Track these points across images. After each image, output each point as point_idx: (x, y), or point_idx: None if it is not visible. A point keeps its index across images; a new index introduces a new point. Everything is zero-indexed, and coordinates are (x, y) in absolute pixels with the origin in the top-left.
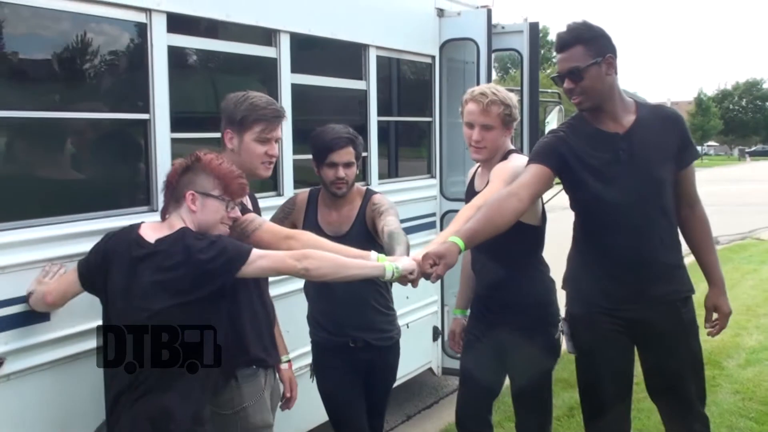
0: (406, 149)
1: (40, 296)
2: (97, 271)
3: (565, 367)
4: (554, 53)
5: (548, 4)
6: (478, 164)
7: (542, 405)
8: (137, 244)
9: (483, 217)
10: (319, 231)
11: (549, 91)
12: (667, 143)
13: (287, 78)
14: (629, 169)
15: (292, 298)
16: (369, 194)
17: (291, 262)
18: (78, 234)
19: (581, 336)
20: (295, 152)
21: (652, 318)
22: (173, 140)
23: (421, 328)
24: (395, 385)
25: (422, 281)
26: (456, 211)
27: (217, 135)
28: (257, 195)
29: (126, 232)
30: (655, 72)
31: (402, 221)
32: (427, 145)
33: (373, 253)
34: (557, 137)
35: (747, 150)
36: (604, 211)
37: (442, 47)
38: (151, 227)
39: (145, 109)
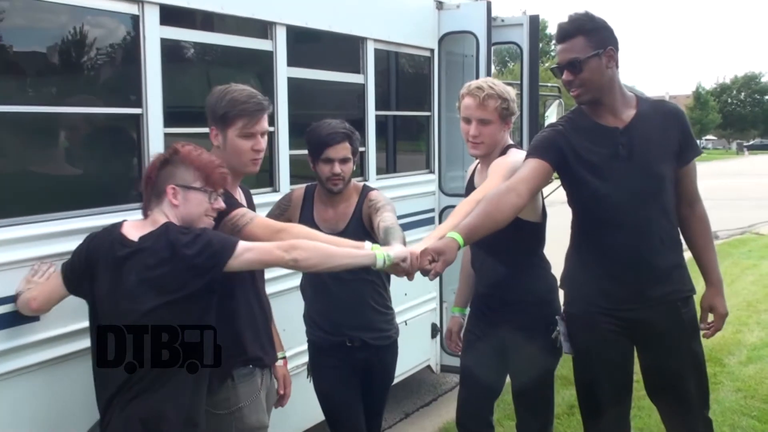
0: (405, 144)
1: (24, 302)
2: (81, 273)
3: (565, 365)
4: (554, 46)
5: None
6: (477, 160)
7: (543, 405)
8: (120, 244)
9: (482, 212)
10: (315, 228)
11: (549, 84)
12: (668, 139)
13: (283, 72)
14: (628, 165)
15: (287, 296)
16: (366, 191)
17: (279, 254)
18: (68, 231)
19: (579, 336)
20: (291, 147)
21: (651, 318)
22: (166, 135)
23: (420, 326)
24: (394, 382)
25: (419, 277)
26: (455, 207)
27: None
28: (252, 190)
29: (108, 231)
30: (654, 66)
31: (400, 217)
32: (426, 139)
33: (368, 243)
34: (555, 131)
35: (745, 144)
36: (602, 208)
37: (441, 40)
38: (134, 225)
39: (138, 103)
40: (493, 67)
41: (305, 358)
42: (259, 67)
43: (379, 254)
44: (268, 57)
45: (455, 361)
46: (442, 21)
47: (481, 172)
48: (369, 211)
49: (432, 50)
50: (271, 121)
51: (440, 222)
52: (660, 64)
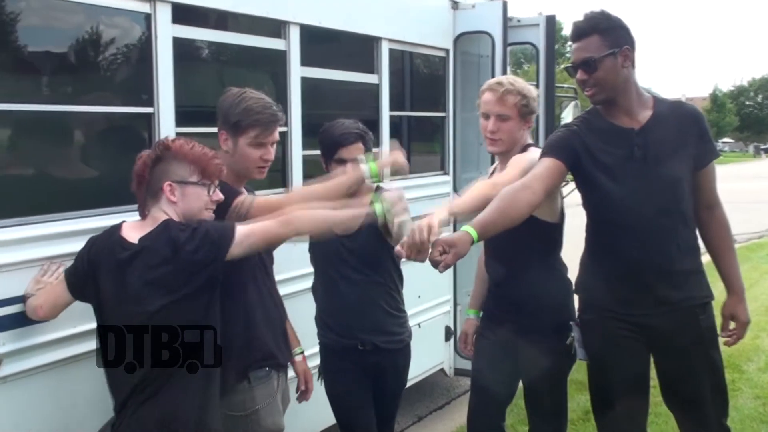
0: (419, 145)
1: (32, 310)
2: (84, 278)
3: (580, 369)
4: (569, 47)
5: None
6: (496, 162)
7: (556, 410)
8: (120, 247)
9: (496, 208)
10: None
11: (565, 86)
12: (685, 141)
13: (297, 71)
14: (644, 166)
15: (299, 298)
16: (379, 191)
17: (279, 231)
18: (79, 231)
19: (593, 342)
20: (304, 147)
21: (668, 325)
22: (178, 134)
23: (433, 328)
24: (407, 385)
25: (433, 280)
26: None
27: None
28: (265, 191)
29: (107, 234)
30: (670, 68)
31: (414, 218)
32: (441, 141)
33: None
34: (570, 131)
35: (762, 146)
36: (615, 210)
37: (456, 40)
38: (133, 226)
39: (150, 102)
40: (508, 68)
41: (317, 361)
42: (272, 66)
43: (377, 206)
44: (281, 56)
45: (469, 365)
46: (457, 21)
47: (500, 172)
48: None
49: (447, 50)
50: (284, 121)
51: (455, 224)
52: (677, 65)
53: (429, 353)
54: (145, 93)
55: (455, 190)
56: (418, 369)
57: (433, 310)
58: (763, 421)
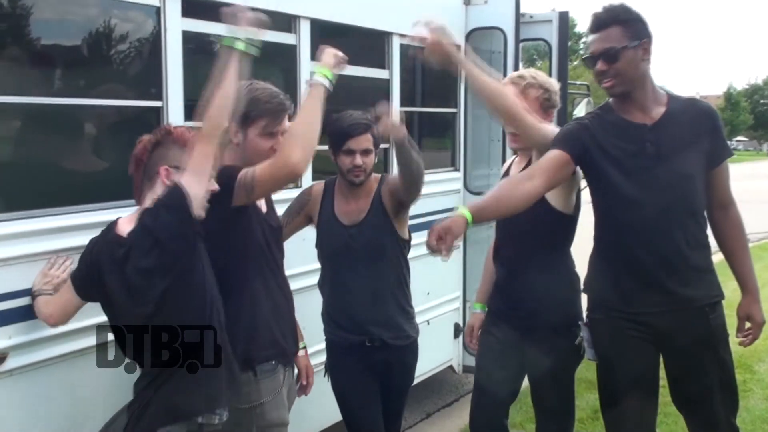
0: (430, 141)
1: (44, 319)
2: (89, 281)
3: (590, 367)
4: (582, 45)
5: None
6: (513, 157)
7: (563, 409)
8: (117, 244)
9: (494, 195)
10: (336, 221)
11: (578, 83)
12: (699, 139)
13: (307, 66)
14: (655, 162)
15: (306, 294)
16: (384, 178)
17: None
18: (85, 225)
19: (602, 342)
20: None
21: (677, 324)
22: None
23: (442, 325)
24: (416, 382)
25: (441, 277)
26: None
27: None
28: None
29: (105, 233)
30: (684, 65)
31: (424, 215)
32: (452, 137)
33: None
34: (580, 124)
35: None
36: (625, 206)
37: (468, 36)
38: (128, 220)
39: (158, 96)
40: (521, 64)
41: (323, 357)
42: (283, 61)
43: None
44: (291, 51)
45: None
46: (469, 16)
47: (518, 165)
48: (387, 190)
49: (459, 46)
50: (293, 111)
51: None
52: (691, 63)
53: (437, 350)
54: (154, 86)
55: (466, 186)
56: (426, 366)
57: (441, 307)
58: None
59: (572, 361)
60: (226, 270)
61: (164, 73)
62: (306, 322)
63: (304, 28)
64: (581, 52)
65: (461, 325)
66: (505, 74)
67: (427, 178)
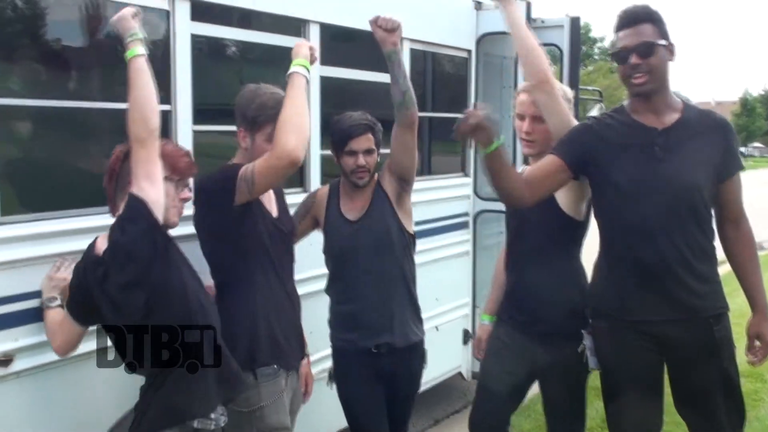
0: (440, 146)
1: (54, 349)
2: (84, 307)
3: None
4: (597, 49)
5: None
6: (521, 169)
7: (574, 418)
8: (96, 264)
9: (508, 167)
10: (343, 218)
11: (590, 88)
12: (710, 149)
13: (316, 70)
14: (661, 166)
15: (312, 298)
16: (382, 166)
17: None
18: (92, 228)
19: (605, 350)
20: (323, 146)
21: (679, 335)
22: (195, 132)
23: (451, 332)
24: (424, 389)
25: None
26: (490, 211)
27: None
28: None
29: (85, 256)
30: (700, 71)
31: (433, 220)
32: (461, 142)
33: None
34: (585, 126)
35: None
36: (629, 210)
37: (479, 41)
38: (104, 237)
39: (167, 99)
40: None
41: (328, 363)
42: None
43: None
44: None
45: None
46: (480, 21)
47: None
48: (386, 172)
49: (469, 51)
50: None
51: (475, 226)
52: (706, 69)
53: (446, 357)
54: (163, 90)
55: (475, 192)
56: (435, 372)
57: (451, 313)
58: None
59: (583, 367)
60: (231, 270)
61: (173, 77)
62: (312, 327)
63: (314, 32)
64: (597, 56)
65: (470, 331)
66: (516, 79)
67: (436, 183)
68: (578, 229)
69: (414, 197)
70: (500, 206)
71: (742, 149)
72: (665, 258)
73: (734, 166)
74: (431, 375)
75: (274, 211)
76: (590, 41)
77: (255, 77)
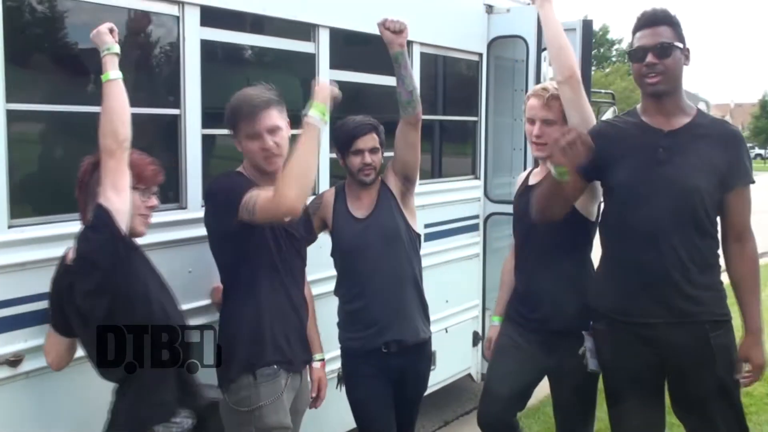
0: (450, 149)
1: (47, 362)
2: (63, 319)
3: None
4: (615, 51)
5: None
6: (528, 170)
7: (583, 417)
8: (66, 273)
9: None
10: (351, 216)
11: (603, 91)
12: (716, 157)
13: (326, 74)
14: (663, 169)
15: (321, 301)
16: (385, 166)
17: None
18: None
19: (605, 351)
20: (332, 150)
21: (675, 338)
22: (204, 137)
23: (461, 333)
24: (434, 390)
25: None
26: (501, 213)
27: None
28: None
29: (57, 269)
30: (719, 73)
31: (444, 222)
32: (472, 145)
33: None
34: (594, 131)
35: None
36: (628, 206)
37: (490, 44)
38: (74, 248)
39: (176, 104)
40: (543, 73)
41: (337, 364)
42: (301, 69)
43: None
44: (310, 60)
45: None
46: (491, 25)
47: (540, 173)
48: (390, 172)
49: (480, 55)
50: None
51: (485, 228)
52: (726, 71)
53: (456, 358)
54: (172, 95)
55: (486, 194)
56: (444, 374)
57: (460, 315)
58: None
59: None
60: (235, 272)
61: (182, 82)
62: (321, 328)
63: (323, 37)
64: (614, 59)
65: (480, 333)
66: (527, 82)
67: (447, 186)
68: (590, 230)
69: (425, 200)
70: (511, 209)
71: (761, 151)
72: (663, 261)
73: (740, 177)
74: (441, 376)
75: None
76: (608, 43)
77: (264, 81)
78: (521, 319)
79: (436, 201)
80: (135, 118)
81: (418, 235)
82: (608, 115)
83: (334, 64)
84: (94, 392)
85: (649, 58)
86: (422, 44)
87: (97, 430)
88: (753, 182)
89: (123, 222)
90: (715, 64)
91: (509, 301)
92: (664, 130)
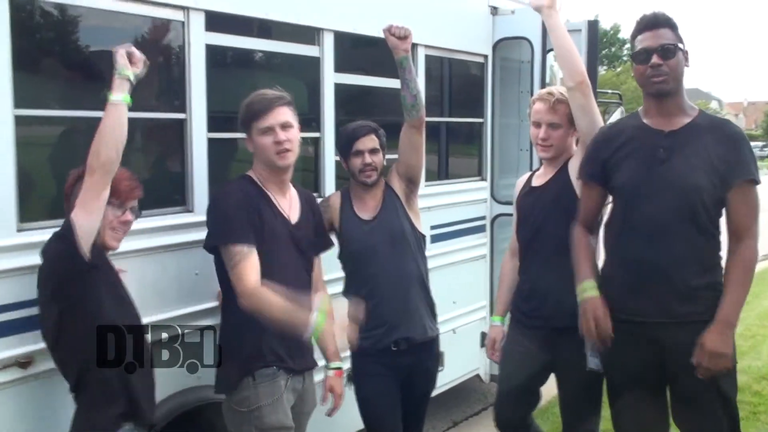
0: (457, 150)
1: None
2: None
3: None
4: (626, 50)
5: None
6: (529, 173)
7: (588, 414)
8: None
9: (579, 256)
10: (358, 218)
11: (610, 92)
12: (717, 156)
13: (330, 78)
14: (663, 169)
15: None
16: (389, 169)
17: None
18: None
19: (606, 349)
20: (337, 153)
21: (671, 336)
22: (210, 140)
23: (469, 334)
24: (442, 391)
25: (467, 284)
26: (507, 215)
27: None
28: None
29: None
30: (732, 71)
31: (450, 224)
32: (478, 146)
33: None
34: (598, 136)
35: None
36: (631, 212)
37: (495, 46)
38: None
39: (182, 108)
40: (553, 72)
41: (347, 364)
42: (306, 73)
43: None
44: (315, 63)
45: None
46: (496, 27)
47: (542, 176)
48: (394, 174)
49: (485, 56)
50: (318, 127)
51: (492, 230)
52: (739, 69)
53: (464, 359)
54: (178, 99)
55: (492, 195)
56: (453, 374)
57: (468, 316)
58: None
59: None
60: (229, 283)
61: (188, 86)
62: None
63: (328, 41)
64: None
65: (488, 334)
66: (532, 84)
67: (454, 187)
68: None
69: (431, 201)
70: None
71: None
72: (663, 261)
73: (740, 175)
74: (449, 377)
75: (293, 217)
76: (619, 42)
77: (269, 86)
78: (524, 317)
79: (443, 202)
80: (141, 122)
81: (423, 236)
82: (616, 115)
83: (339, 68)
84: None
85: (654, 59)
86: (427, 46)
87: None
88: (758, 182)
89: (85, 240)
90: (728, 62)
91: (513, 301)
92: (665, 130)
